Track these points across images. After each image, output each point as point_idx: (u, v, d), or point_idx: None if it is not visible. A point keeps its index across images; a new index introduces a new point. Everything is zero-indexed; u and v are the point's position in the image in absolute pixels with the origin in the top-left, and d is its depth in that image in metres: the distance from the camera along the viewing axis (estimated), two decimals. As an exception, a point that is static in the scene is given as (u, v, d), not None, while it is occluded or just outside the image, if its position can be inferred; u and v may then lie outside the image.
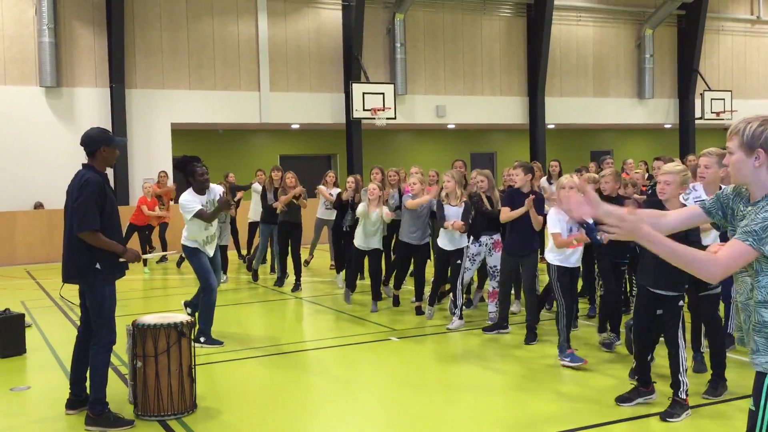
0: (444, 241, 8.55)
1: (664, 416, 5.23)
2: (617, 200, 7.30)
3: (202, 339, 7.67)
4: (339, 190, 12.34)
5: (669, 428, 5.13)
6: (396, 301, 9.75)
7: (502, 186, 10.41)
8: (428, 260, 9.81)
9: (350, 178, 10.98)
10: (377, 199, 9.39)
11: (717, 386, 5.72)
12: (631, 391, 5.64)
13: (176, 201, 11.97)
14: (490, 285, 8.58)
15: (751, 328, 2.90)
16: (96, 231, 5.29)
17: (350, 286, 10.03)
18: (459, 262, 8.43)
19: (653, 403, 5.55)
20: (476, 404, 5.79)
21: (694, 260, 2.73)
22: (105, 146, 5.48)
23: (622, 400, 5.61)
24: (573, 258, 6.83)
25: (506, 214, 7.79)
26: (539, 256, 9.00)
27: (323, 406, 5.94)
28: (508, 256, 7.97)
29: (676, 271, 5.21)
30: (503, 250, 8.13)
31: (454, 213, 8.39)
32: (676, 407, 5.26)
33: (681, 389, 5.29)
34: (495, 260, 8.44)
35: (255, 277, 12.56)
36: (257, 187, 13.60)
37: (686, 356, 5.38)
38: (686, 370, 5.36)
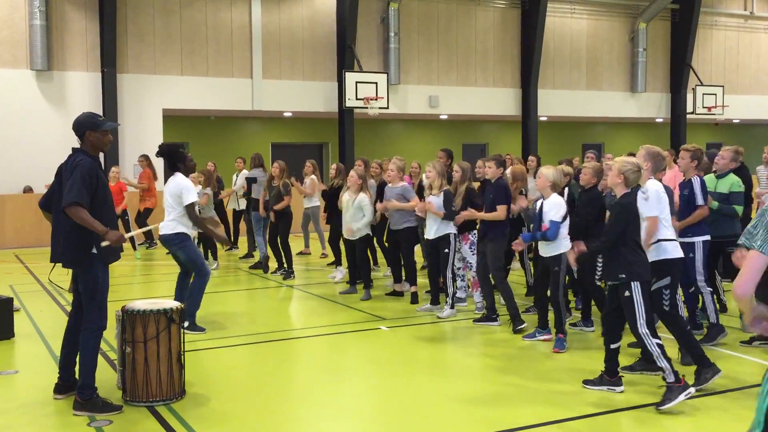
0: (430, 231, 8.56)
1: (659, 405, 5.24)
2: (592, 190, 7.50)
3: (185, 324, 7.65)
4: (313, 177, 12.47)
5: (650, 418, 5.17)
6: (400, 294, 9.75)
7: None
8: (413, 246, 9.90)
9: (333, 165, 11.25)
10: (357, 186, 9.53)
11: (700, 374, 5.70)
12: (597, 377, 5.79)
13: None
14: (471, 275, 8.69)
15: None
16: (81, 205, 5.15)
17: (352, 281, 10.12)
18: (447, 250, 8.45)
19: (638, 394, 5.59)
20: (465, 394, 5.80)
21: None
22: (90, 130, 5.43)
23: (587, 382, 5.82)
24: (544, 247, 7.10)
25: (461, 217, 8.26)
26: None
27: (312, 394, 5.94)
28: (480, 244, 8.16)
29: (613, 262, 5.46)
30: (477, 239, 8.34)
31: (434, 203, 8.44)
32: (667, 392, 5.28)
33: (666, 373, 5.32)
34: (465, 252, 8.71)
35: (266, 269, 12.14)
36: (237, 179, 13.81)
37: (654, 341, 5.36)
38: (660, 354, 5.33)
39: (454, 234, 8.47)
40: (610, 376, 5.73)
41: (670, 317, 5.95)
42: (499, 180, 8.03)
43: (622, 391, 5.68)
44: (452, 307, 8.49)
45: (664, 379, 5.35)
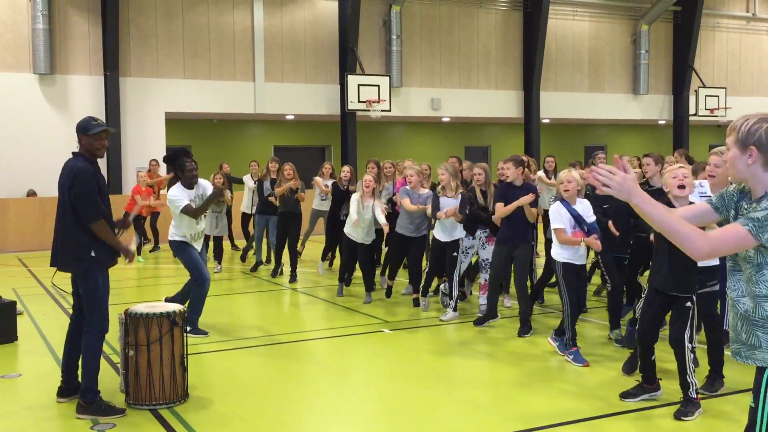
0: (440, 233, 8.53)
1: (678, 415, 5.16)
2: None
3: (188, 328, 7.64)
4: (335, 180, 12.32)
5: (658, 422, 5.16)
6: (389, 293, 9.76)
7: (496, 180, 10.41)
8: (424, 253, 9.83)
9: (345, 168, 11.02)
10: (371, 191, 9.43)
11: (714, 382, 5.72)
12: (635, 387, 5.59)
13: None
14: (482, 278, 8.63)
15: (741, 323, 2.88)
16: (103, 220, 5.35)
17: (342, 279, 10.10)
18: (455, 254, 8.44)
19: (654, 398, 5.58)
20: (469, 397, 5.80)
21: (681, 231, 2.65)
22: (83, 134, 5.43)
23: (626, 395, 5.57)
24: (578, 254, 6.74)
25: (500, 211, 7.73)
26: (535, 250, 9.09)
27: (315, 397, 5.94)
28: (500, 248, 7.93)
29: (688, 273, 5.27)
30: (495, 242, 8.13)
31: (450, 205, 8.38)
32: (689, 405, 5.21)
33: (691, 389, 5.24)
34: (487, 253, 8.54)
35: (243, 258, 13.94)
36: (248, 179, 13.74)
37: (693, 356, 5.32)
38: (694, 370, 5.29)
39: (462, 239, 8.50)
40: (649, 383, 5.56)
41: (716, 319, 5.94)
42: (529, 185, 7.99)
43: (660, 395, 5.61)
44: (455, 309, 8.48)
45: (686, 392, 5.26)
